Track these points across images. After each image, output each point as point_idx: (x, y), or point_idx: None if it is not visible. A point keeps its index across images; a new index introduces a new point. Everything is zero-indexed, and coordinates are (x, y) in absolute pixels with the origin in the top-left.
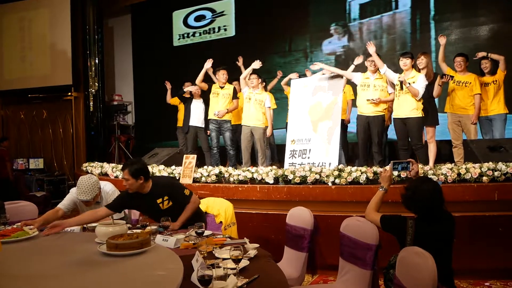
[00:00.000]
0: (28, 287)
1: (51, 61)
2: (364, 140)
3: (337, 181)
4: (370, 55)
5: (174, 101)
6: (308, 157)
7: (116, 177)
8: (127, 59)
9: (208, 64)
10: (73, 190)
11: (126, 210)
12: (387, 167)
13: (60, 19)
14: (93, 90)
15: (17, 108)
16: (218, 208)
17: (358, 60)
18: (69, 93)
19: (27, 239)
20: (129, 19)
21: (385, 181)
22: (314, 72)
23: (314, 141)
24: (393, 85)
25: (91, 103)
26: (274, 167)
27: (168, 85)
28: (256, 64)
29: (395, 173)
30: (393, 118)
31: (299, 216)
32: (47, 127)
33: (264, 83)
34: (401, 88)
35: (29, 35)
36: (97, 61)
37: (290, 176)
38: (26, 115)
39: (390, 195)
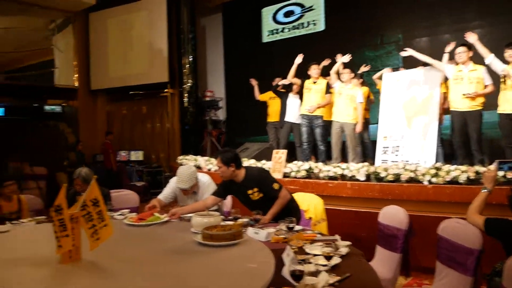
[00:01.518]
0: (131, 269)
1: (149, 60)
2: (462, 138)
3: (433, 180)
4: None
5: (264, 97)
6: (401, 154)
7: (209, 169)
8: (219, 56)
9: (299, 59)
10: (172, 180)
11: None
12: (492, 167)
13: (157, 21)
14: (187, 87)
15: (120, 104)
16: (308, 203)
17: (450, 47)
18: (165, 90)
19: (160, 223)
20: (220, 17)
21: (489, 181)
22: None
23: (407, 138)
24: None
25: (185, 99)
26: (365, 163)
27: (254, 82)
28: (345, 58)
29: (500, 173)
30: (499, 114)
31: (393, 215)
32: (146, 121)
33: (361, 79)
34: (505, 81)
35: (130, 37)
36: (190, 59)
37: (383, 174)
38: (128, 110)
39: (494, 196)
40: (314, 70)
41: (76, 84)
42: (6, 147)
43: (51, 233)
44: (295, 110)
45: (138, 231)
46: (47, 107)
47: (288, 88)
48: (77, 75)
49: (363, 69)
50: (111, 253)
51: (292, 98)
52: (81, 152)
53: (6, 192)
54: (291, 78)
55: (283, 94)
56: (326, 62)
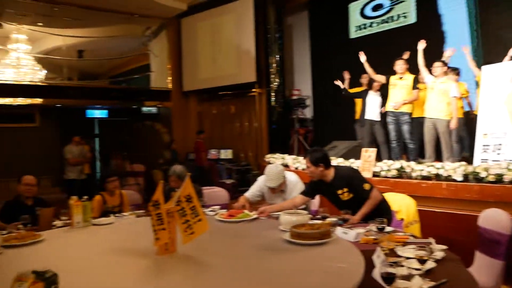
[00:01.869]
0: (224, 263)
1: (237, 61)
2: None
3: None
4: None
5: (352, 91)
6: (504, 153)
7: (296, 168)
8: (305, 55)
9: (363, 58)
10: (260, 179)
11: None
12: None
13: (245, 22)
14: (274, 86)
15: (210, 104)
16: (399, 204)
17: None
18: (253, 90)
19: (249, 220)
20: (306, 15)
21: None
22: None
23: (511, 135)
24: None
25: (272, 98)
26: (463, 163)
27: (346, 75)
28: (421, 45)
29: None
30: None
31: (495, 219)
32: (235, 121)
33: (457, 74)
34: None
35: (219, 39)
36: (277, 58)
37: (483, 174)
38: (217, 110)
39: None
40: (399, 65)
41: (170, 86)
42: (109, 146)
43: (149, 226)
44: (375, 108)
45: (228, 227)
46: (144, 109)
47: (369, 85)
48: (170, 78)
49: (449, 54)
50: (204, 247)
51: (372, 96)
52: (175, 150)
53: (110, 187)
54: (373, 75)
55: (362, 92)
56: (406, 56)
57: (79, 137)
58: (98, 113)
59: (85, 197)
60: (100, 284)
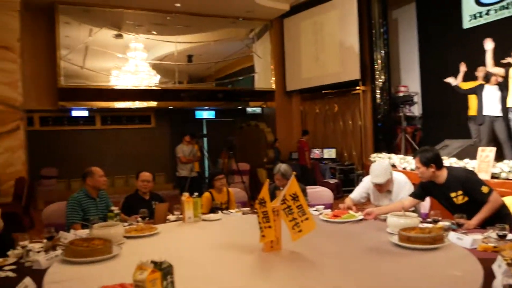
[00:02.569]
0: (330, 263)
1: (340, 59)
2: None
3: None
4: None
5: (465, 85)
6: None
7: (404, 168)
8: (412, 49)
9: (489, 45)
10: (365, 179)
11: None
12: None
13: (348, 18)
14: (379, 83)
15: (313, 103)
16: None
17: None
18: (357, 87)
19: (354, 221)
20: (413, 8)
21: None
22: None
23: None
24: None
25: (378, 95)
26: None
27: (463, 67)
28: None
29: None
30: None
31: None
32: (338, 119)
33: None
34: None
35: (321, 37)
36: (382, 54)
37: None
38: (320, 109)
39: None
40: None
41: (273, 86)
42: (217, 145)
43: (255, 223)
44: (494, 103)
45: (333, 228)
46: (249, 109)
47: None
48: (274, 78)
49: None
50: (309, 246)
51: (490, 90)
52: (278, 149)
53: (217, 185)
54: (491, 67)
55: (477, 87)
56: None
57: (189, 136)
58: (206, 114)
59: (196, 193)
60: (209, 276)
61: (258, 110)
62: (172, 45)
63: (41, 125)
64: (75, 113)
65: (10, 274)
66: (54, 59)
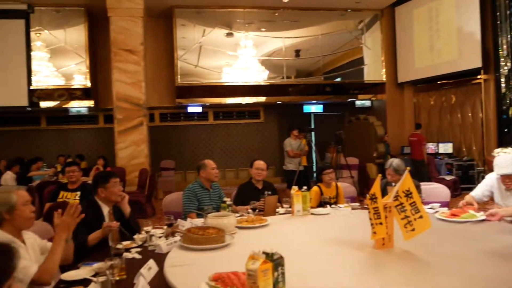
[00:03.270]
0: (446, 265)
1: (458, 46)
2: None
3: None
4: None
5: None
6: None
7: None
8: None
9: None
10: (488, 177)
11: None
12: None
13: (467, 1)
14: (504, 71)
15: (427, 95)
16: None
17: None
18: (478, 76)
19: (475, 222)
20: None
21: None
22: None
23: None
24: None
25: (503, 84)
26: None
27: None
28: None
29: None
30: None
31: None
32: (455, 112)
33: None
34: None
35: (436, 24)
36: (509, 38)
37: None
38: (436, 101)
39: None
40: None
41: (384, 78)
42: (325, 139)
43: (364, 219)
44: None
45: (450, 227)
46: (358, 102)
47: None
48: (384, 70)
49: None
50: (424, 246)
51: None
52: (387, 143)
53: (326, 179)
54: None
55: None
56: None
57: (297, 131)
58: (314, 108)
59: (305, 187)
60: (319, 270)
61: (367, 103)
62: (280, 40)
63: (161, 121)
64: (190, 109)
65: (136, 256)
66: (172, 59)
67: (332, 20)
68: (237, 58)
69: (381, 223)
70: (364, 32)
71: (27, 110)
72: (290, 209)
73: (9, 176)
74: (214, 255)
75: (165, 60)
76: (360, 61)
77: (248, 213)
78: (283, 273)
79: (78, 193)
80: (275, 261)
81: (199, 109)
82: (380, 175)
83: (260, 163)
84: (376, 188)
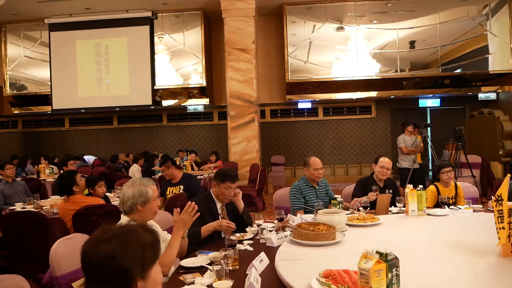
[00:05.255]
0: None
1: None
2: None
3: None
4: None
5: None
6: None
7: None
8: None
9: None
10: None
11: None
12: None
13: None
14: None
15: None
16: None
17: None
18: None
19: None
20: None
21: None
22: None
23: None
24: None
25: None
26: None
27: None
28: None
29: None
30: None
31: None
32: None
33: None
34: None
35: None
36: None
37: None
38: None
39: None
40: None
41: None
42: (442, 135)
43: (488, 222)
44: None
45: None
46: (481, 95)
47: None
48: None
49: None
50: None
51: None
52: None
53: (444, 178)
54: None
55: None
56: None
57: (412, 126)
58: (430, 102)
59: (420, 186)
60: (437, 275)
61: (492, 95)
62: (393, 32)
63: (271, 117)
64: (300, 105)
65: (249, 248)
66: (282, 56)
67: (451, 7)
68: (348, 53)
69: (503, 228)
70: (489, 18)
71: (150, 108)
72: (403, 209)
73: (135, 169)
74: (324, 251)
75: (275, 57)
76: (484, 49)
77: (359, 210)
78: (397, 275)
79: (181, 186)
80: (390, 262)
81: (309, 105)
82: (510, 175)
83: (386, 161)
84: (503, 189)
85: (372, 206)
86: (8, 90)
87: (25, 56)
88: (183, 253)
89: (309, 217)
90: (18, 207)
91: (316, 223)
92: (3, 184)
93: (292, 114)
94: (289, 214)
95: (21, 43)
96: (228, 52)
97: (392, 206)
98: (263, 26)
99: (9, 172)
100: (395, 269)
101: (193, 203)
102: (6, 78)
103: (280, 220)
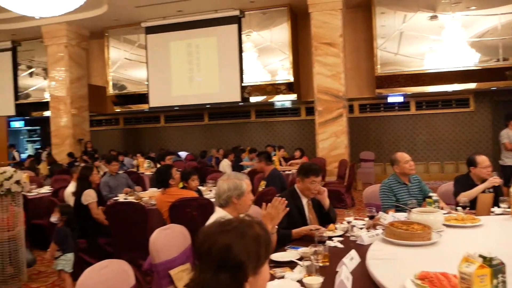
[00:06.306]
0: None
1: None
2: None
3: None
4: None
5: None
6: None
7: None
8: None
9: None
10: None
11: None
12: None
13: None
14: None
15: None
16: None
17: None
18: None
19: None
20: None
21: None
22: None
23: None
24: None
25: None
26: None
27: None
28: None
29: None
30: None
31: None
32: None
33: None
34: None
35: None
36: None
37: None
38: None
39: None
40: None
41: None
42: None
43: None
44: None
45: None
46: None
47: None
48: None
49: None
50: None
51: None
52: None
53: None
54: None
55: None
56: None
57: None
58: None
59: None
60: None
61: None
62: (494, 18)
63: (360, 112)
64: (390, 99)
65: (338, 244)
66: (371, 49)
67: None
68: (442, 42)
69: None
70: None
71: (239, 104)
72: (508, 210)
73: (226, 164)
74: (418, 252)
75: (363, 50)
76: None
77: (456, 210)
78: (504, 282)
79: (265, 182)
80: (495, 267)
81: (400, 99)
82: None
83: (485, 159)
84: None
85: (472, 206)
86: (110, 90)
87: (125, 58)
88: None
89: (401, 216)
90: (121, 197)
91: (409, 222)
92: (107, 176)
93: (382, 108)
94: (380, 212)
95: (121, 46)
96: (315, 46)
97: (495, 207)
98: (351, 19)
99: (114, 167)
100: (501, 275)
101: (283, 198)
102: (109, 79)
103: (371, 217)
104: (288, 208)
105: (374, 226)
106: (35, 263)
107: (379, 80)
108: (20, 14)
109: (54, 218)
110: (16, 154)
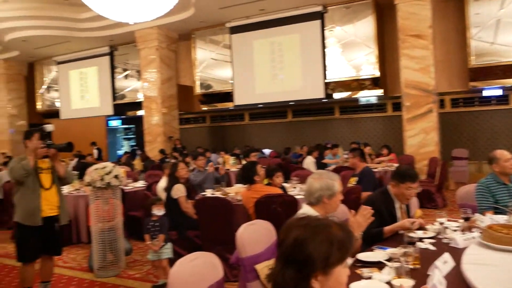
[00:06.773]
0: None
1: None
2: None
3: None
4: None
5: None
6: None
7: None
8: None
9: None
10: None
11: None
12: None
13: None
14: None
15: None
16: None
17: None
18: None
19: None
20: None
21: None
22: None
23: None
24: None
25: None
26: None
27: None
28: None
29: None
30: None
31: None
32: None
33: None
34: None
35: None
36: None
37: None
38: None
39: None
40: None
41: None
42: None
43: None
44: None
45: None
46: None
47: None
48: None
49: None
50: None
51: None
52: None
53: None
54: None
55: None
56: None
57: None
58: None
59: None
60: None
61: None
62: None
63: (452, 107)
64: (486, 92)
65: (430, 246)
66: (463, 39)
67: None
68: None
69: None
70: None
71: (323, 101)
72: None
73: (309, 161)
74: None
75: (455, 41)
76: None
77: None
78: None
79: (357, 178)
80: None
81: (497, 92)
82: None
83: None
84: None
85: None
86: (198, 90)
87: (210, 58)
88: (355, 254)
89: (501, 218)
90: (208, 193)
91: (510, 226)
92: (196, 172)
93: (476, 102)
94: (476, 214)
95: (207, 47)
96: (401, 39)
97: None
98: (440, 8)
99: (200, 162)
100: None
101: (369, 208)
102: (196, 79)
103: (466, 219)
104: (373, 218)
105: (469, 229)
106: (132, 252)
107: (473, 72)
108: (116, 21)
109: (159, 212)
110: (95, 151)
